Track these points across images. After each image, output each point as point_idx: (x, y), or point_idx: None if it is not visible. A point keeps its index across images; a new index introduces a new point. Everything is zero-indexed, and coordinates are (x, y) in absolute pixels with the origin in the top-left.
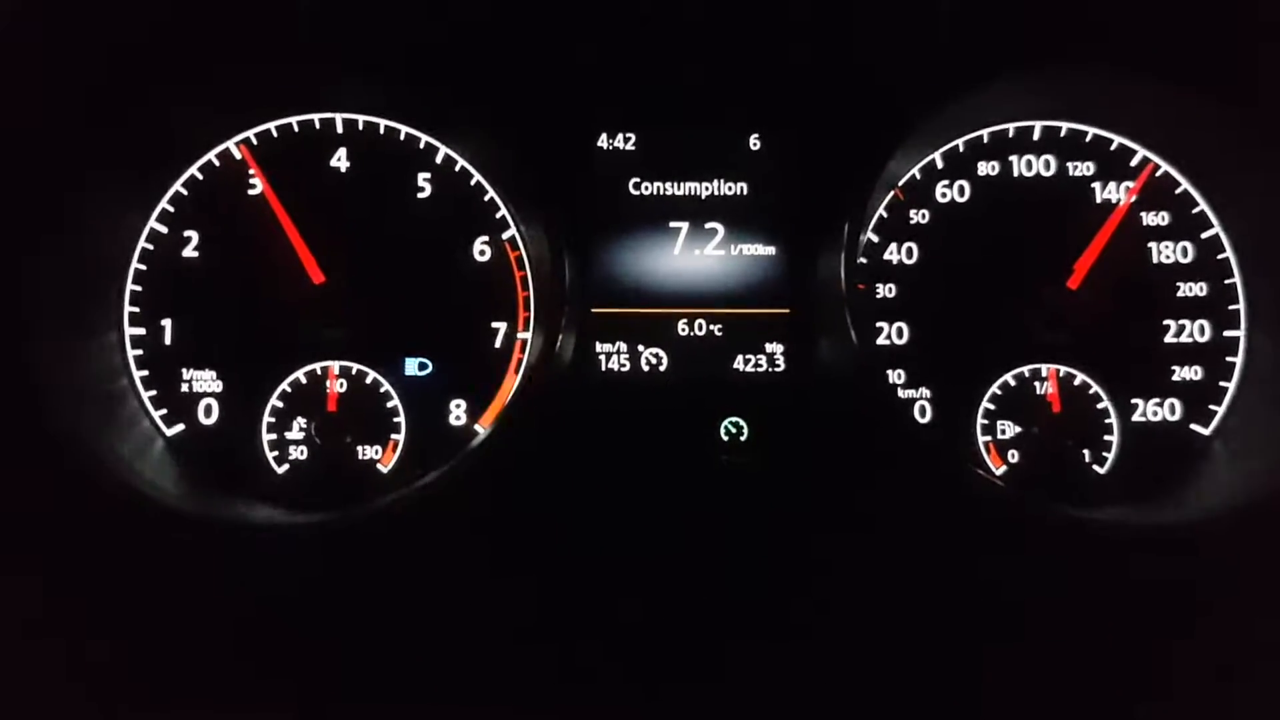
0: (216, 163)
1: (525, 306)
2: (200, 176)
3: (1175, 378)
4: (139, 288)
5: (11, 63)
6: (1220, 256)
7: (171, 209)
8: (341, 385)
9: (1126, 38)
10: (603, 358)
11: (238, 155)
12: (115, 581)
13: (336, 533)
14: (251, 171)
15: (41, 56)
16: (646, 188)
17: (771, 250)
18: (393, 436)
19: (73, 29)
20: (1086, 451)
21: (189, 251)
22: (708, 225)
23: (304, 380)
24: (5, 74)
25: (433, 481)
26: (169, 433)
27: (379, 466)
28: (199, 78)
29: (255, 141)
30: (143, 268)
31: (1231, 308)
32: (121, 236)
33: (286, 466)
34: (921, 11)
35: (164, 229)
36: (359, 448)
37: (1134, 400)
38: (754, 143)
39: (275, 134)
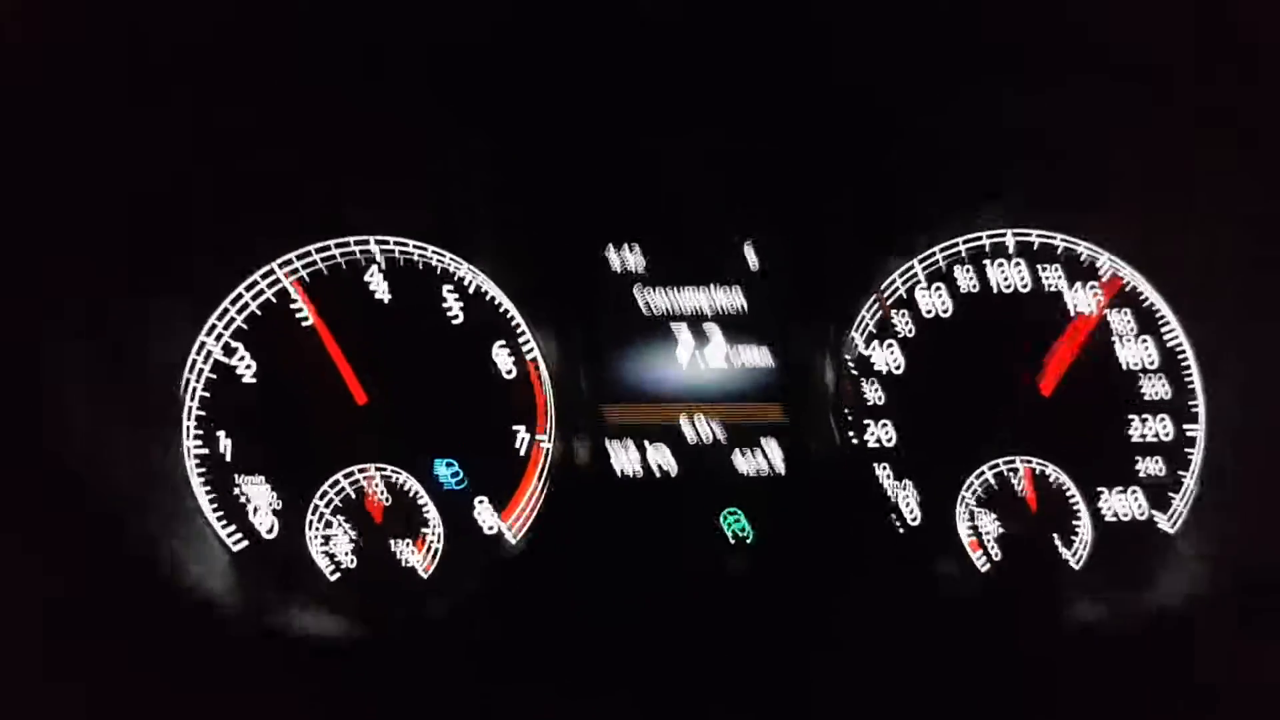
0: (274, 299)
1: (545, 413)
2: (259, 312)
3: (1139, 471)
4: (202, 411)
5: (87, 199)
6: (1182, 358)
7: (232, 340)
8: (382, 491)
9: (1090, 156)
10: (615, 457)
11: (291, 291)
12: (176, 689)
13: (390, 643)
14: (303, 305)
15: (117, 201)
16: (651, 296)
17: (766, 352)
18: (431, 542)
19: (146, 171)
20: (1061, 545)
21: (248, 378)
22: (708, 330)
23: (351, 494)
24: (77, 211)
25: (475, 590)
26: (230, 545)
27: (421, 572)
28: (253, 222)
29: (307, 279)
30: (206, 394)
31: (1192, 407)
32: (185, 365)
33: (338, 575)
34: (903, 132)
35: (225, 358)
36: (401, 554)
37: (1102, 492)
38: (749, 252)
39: (321, 267)
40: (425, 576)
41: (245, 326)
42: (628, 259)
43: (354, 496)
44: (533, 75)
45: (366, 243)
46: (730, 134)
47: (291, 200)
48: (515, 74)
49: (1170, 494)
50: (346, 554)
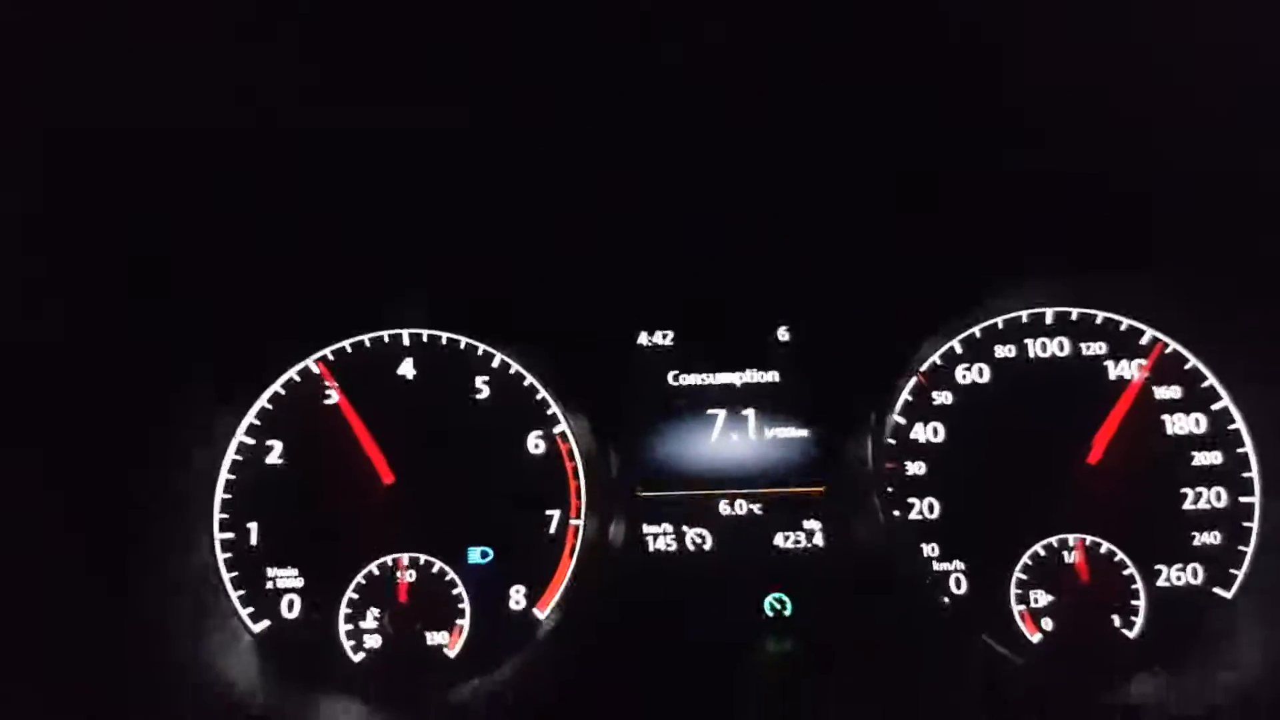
0: (298, 379)
1: (577, 495)
2: (283, 391)
3: (1196, 543)
4: (229, 496)
5: (114, 290)
6: (1232, 427)
7: (258, 421)
8: (411, 576)
9: (1129, 240)
10: (651, 539)
11: (316, 371)
12: None
13: None
14: (328, 385)
15: (149, 293)
16: (684, 379)
17: (804, 433)
18: (459, 623)
19: (171, 267)
20: (1116, 618)
21: (273, 459)
22: (743, 412)
23: (376, 573)
24: (107, 301)
25: (504, 674)
26: (256, 629)
27: (446, 652)
28: (285, 313)
29: (332, 358)
30: (232, 477)
31: (1245, 475)
32: (214, 449)
33: (363, 655)
34: (937, 213)
35: (251, 440)
36: (428, 634)
37: (1158, 566)
38: (783, 334)
39: (350, 350)
40: (451, 656)
41: (270, 407)
42: (660, 343)
43: (377, 574)
44: (565, 158)
45: (399, 334)
46: (766, 216)
47: (325, 298)
48: (548, 156)
49: (1230, 568)
50: (370, 634)
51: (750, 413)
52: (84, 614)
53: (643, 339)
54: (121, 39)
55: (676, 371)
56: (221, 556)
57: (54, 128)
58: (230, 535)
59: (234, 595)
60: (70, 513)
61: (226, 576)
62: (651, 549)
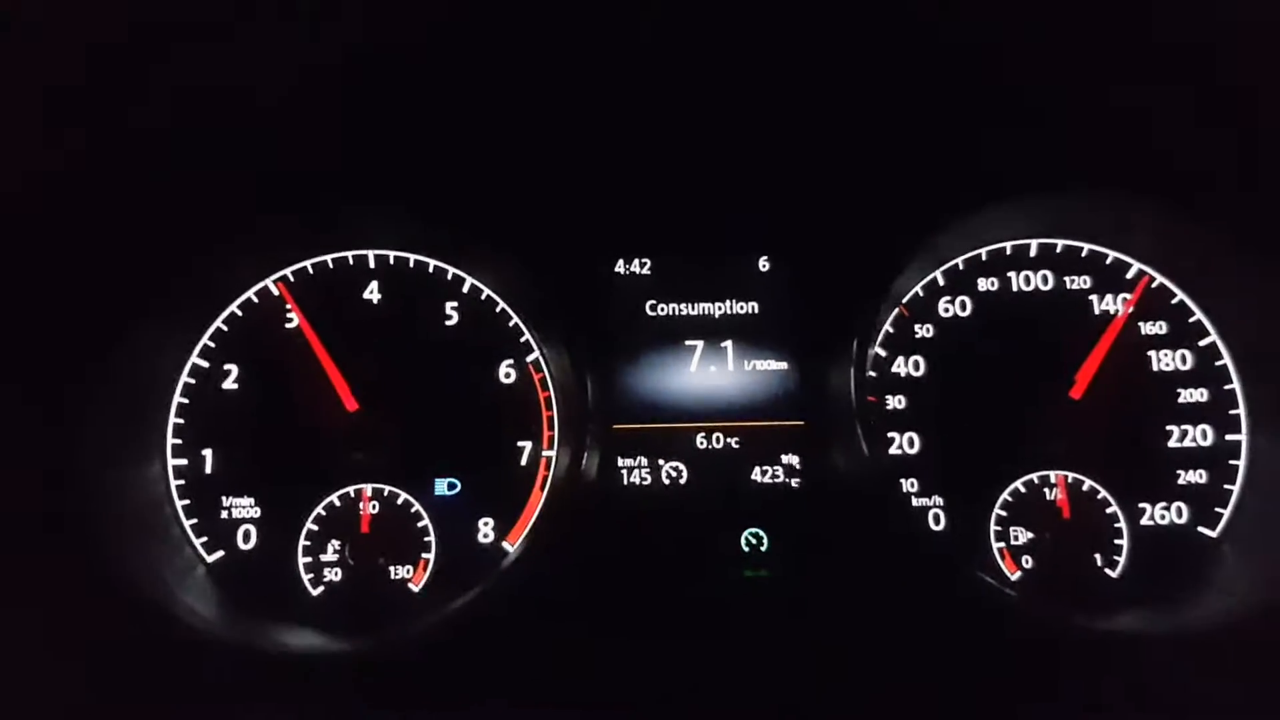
0: (255, 300)
1: (550, 426)
2: (240, 313)
3: (1181, 481)
4: (181, 420)
5: (65, 205)
6: (1219, 363)
7: (212, 344)
8: (374, 508)
9: (1117, 162)
10: (625, 472)
11: (275, 292)
12: (155, 703)
13: (374, 657)
14: (288, 306)
15: (93, 202)
16: (662, 309)
17: (784, 366)
18: (423, 556)
19: (124, 174)
20: (1098, 556)
21: (229, 384)
22: (722, 343)
23: (338, 504)
24: (59, 216)
25: (467, 603)
26: (209, 559)
27: (410, 586)
28: (240, 225)
29: (292, 279)
30: (185, 401)
31: (1232, 412)
32: (165, 371)
33: (322, 588)
34: (924, 136)
35: (205, 363)
36: (391, 568)
37: (1141, 504)
38: (763, 264)
39: (311, 271)
40: (416, 590)
41: (225, 328)
42: (638, 272)
43: (339, 506)
44: (544, 85)
45: (364, 255)
46: (745, 144)
47: (285, 213)
48: (527, 83)
49: (1215, 506)
50: (331, 566)
51: (729, 344)
52: (30, 534)
53: (621, 266)
54: None
55: (655, 301)
56: (174, 484)
57: None
58: (184, 461)
59: (186, 524)
60: (16, 428)
61: (179, 504)
62: (625, 482)
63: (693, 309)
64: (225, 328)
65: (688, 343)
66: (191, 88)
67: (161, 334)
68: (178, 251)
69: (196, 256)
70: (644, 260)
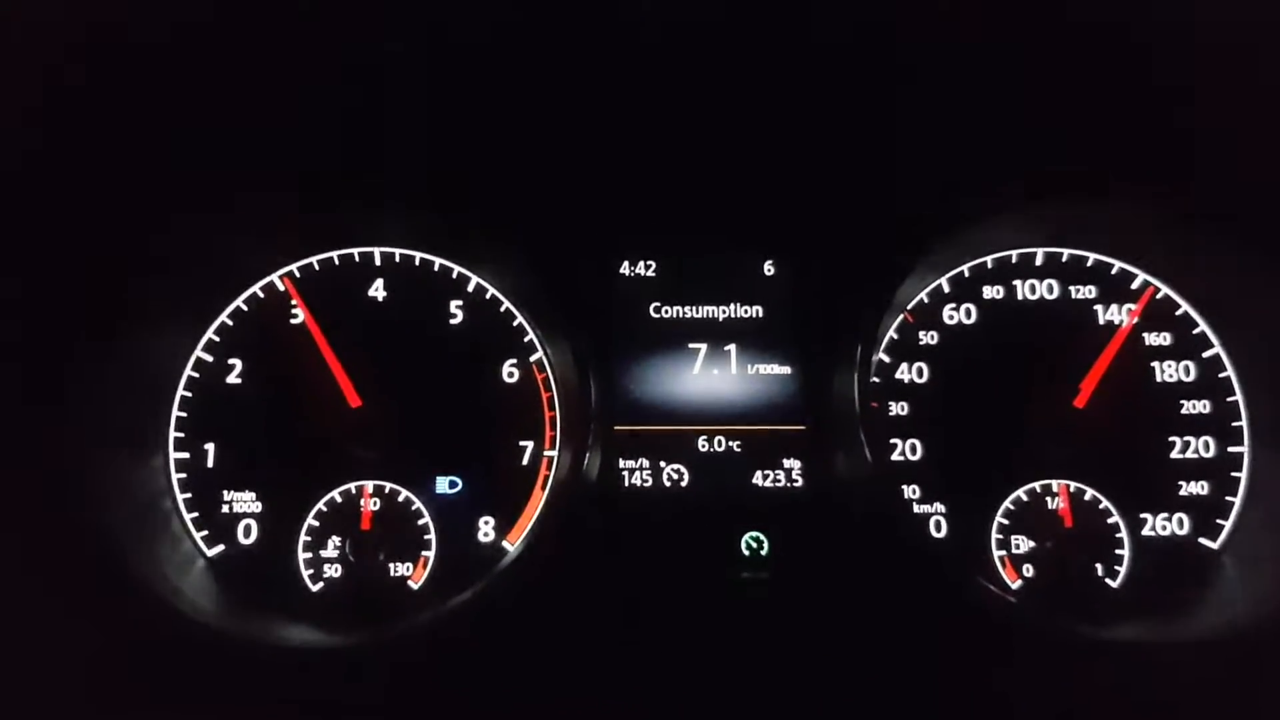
0: (261, 294)
1: (552, 425)
2: (245, 307)
3: (1183, 493)
4: (184, 413)
5: (66, 191)
6: (1222, 375)
7: (217, 338)
8: (375, 504)
9: (1125, 172)
10: (626, 474)
11: (281, 287)
12: (153, 698)
13: (372, 653)
14: (294, 302)
15: (97, 189)
16: (666, 311)
17: (787, 370)
18: (423, 554)
19: (128, 162)
20: (1099, 565)
21: (233, 378)
22: (725, 346)
23: (339, 500)
24: (57, 202)
25: (466, 600)
26: (210, 553)
27: (410, 584)
28: (247, 216)
29: (298, 274)
30: (188, 394)
31: (1235, 425)
32: (169, 364)
33: (321, 584)
34: (930, 143)
35: (209, 357)
36: (391, 565)
37: (1143, 515)
38: (768, 268)
39: (317, 267)
40: (415, 588)
41: (230, 323)
42: (643, 273)
43: (340, 502)
44: (549, 84)
45: (370, 252)
46: (751, 146)
47: (293, 210)
48: (531, 82)
49: (1217, 518)
50: (331, 563)
51: (732, 347)
52: (30, 526)
53: (625, 267)
54: None
55: (659, 302)
56: (176, 476)
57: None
58: (185, 455)
59: (187, 517)
60: (21, 414)
61: (180, 498)
62: (626, 484)
63: (697, 311)
64: (230, 322)
65: (691, 345)
66: (190, 85)
67: (166, 326)
68: (182, 234)
69: (200, 239)
70: (649, 261)
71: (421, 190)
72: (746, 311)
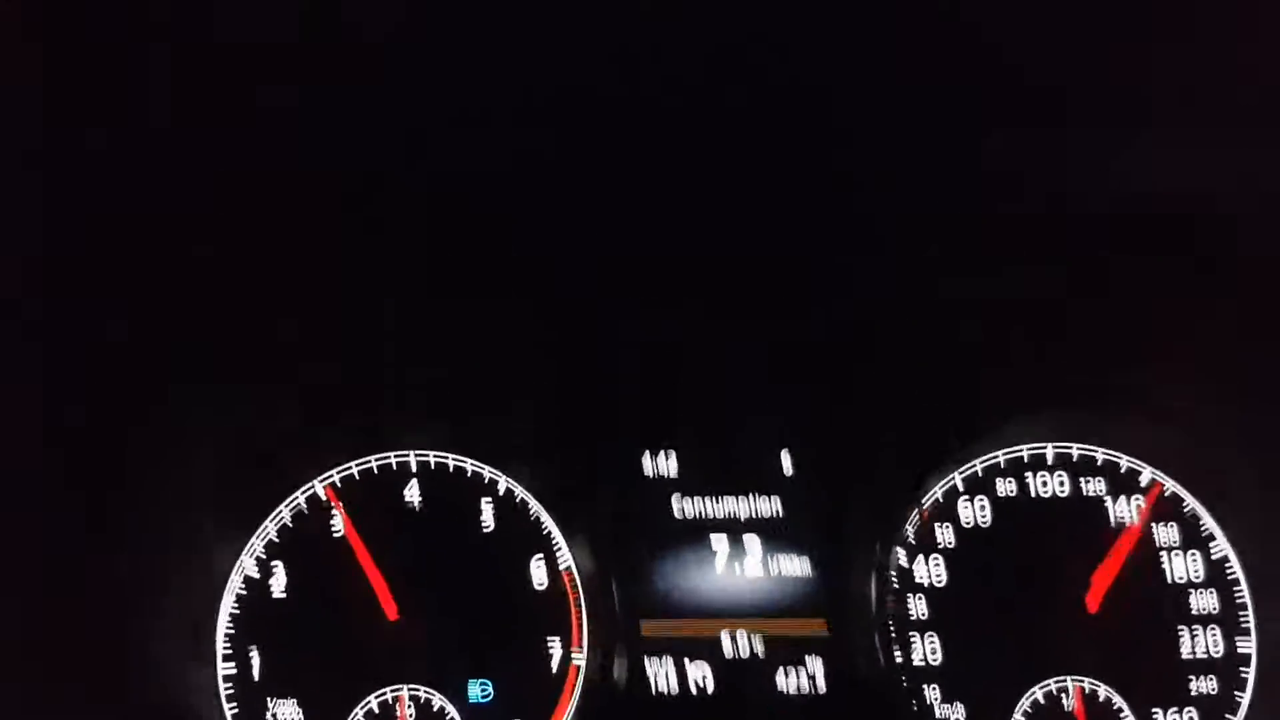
0: (305, 508)
1: (579, 627)
2: (290, 523)
3: (1192, 690)
4: (232, 628)
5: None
6: (1230, 573)
7: (264, 555)
8: (411, 713)
9: (1133, 379)
10: (653, 678)
11: (323, 497)
12: None
13: None
14: (335, 511)
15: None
16: (687, 506)
17: (806, 565)
18: None
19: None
20: None
21: (277, 591)
22: (746, 540)
23: (376, 710)
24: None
25: None
26: None
27: None
28: (290, 440)
29: (339, 484)
30: (236, 610)
31: (1243, 623)
32: (216, 582)
33: None
34: (945, 342)
35: (256, 574)
36: None
37: (1154, 710)
38: (785, 461)
39: (357, 476)
40: None
41: (277, 539)
42: (663, 466)
43: (377, 712)
44: (564, 274)
45: (405, 456)
46: (770, 340)
47: (332, 418)
48: (550, 284)
49: (1226, 713)
50: None
51: (754, 541)
52: None
53: (646, 463)
54: None
55: (680, 497)
56: (223, 688)
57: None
58: (231, 668)
59: None
60: (69, 637)
61: (229, 711)
62: (654, 692)
63: (717, 504)
64: (277, 539)
65: (712, 539)
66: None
67: (212, 549)
68: (228, 468)
69: (246, 472)
70: (669, 452)
71: (453, 400)
72: (766, 505)
